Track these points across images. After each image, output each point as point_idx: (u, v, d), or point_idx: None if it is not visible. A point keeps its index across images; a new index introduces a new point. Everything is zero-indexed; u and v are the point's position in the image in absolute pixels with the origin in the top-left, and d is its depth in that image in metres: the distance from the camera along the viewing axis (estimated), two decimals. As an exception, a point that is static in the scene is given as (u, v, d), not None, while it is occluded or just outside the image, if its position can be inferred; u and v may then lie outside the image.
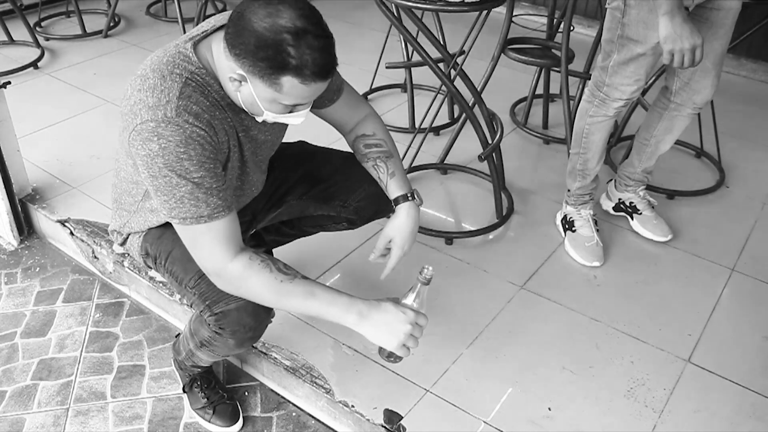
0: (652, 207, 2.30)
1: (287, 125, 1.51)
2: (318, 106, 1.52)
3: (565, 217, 2.25)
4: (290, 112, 1.26)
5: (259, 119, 1.30)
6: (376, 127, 1.57)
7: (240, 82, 1.20)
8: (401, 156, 2.41)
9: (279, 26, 1.11)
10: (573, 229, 2.20)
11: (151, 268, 1.56)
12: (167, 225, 1.42)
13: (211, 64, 1.25)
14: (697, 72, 1.95)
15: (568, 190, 2.24)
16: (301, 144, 1.74)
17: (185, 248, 1.31)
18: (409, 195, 1.50)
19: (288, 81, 1.15)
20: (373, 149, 1.54)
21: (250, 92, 1.21)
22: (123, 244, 1.59)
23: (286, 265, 1.29)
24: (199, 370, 1.71)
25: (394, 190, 1.51)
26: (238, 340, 1.40)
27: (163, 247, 1.46)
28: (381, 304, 1.27)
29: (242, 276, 1.26)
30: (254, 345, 1.80)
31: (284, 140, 1.67)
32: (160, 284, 1.98)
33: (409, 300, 1.31)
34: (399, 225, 1.48)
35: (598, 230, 2.20)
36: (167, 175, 1.19)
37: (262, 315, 1.37)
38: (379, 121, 1.59)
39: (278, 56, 1.12)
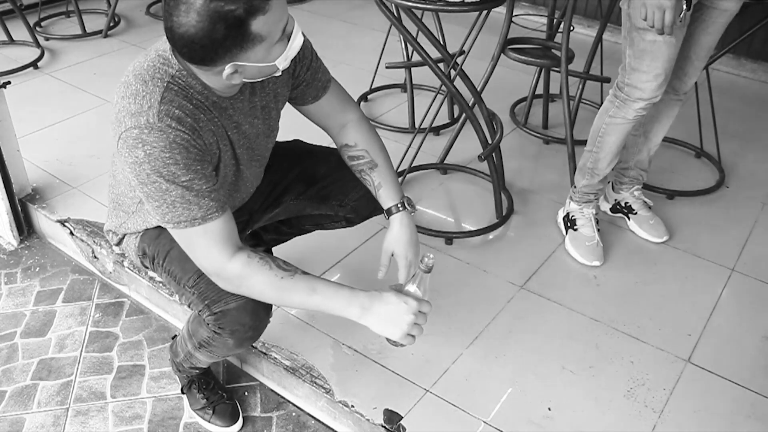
0: (648, 207, 2.30)
1: (279, 112, 1.49)
2: (301, 102, 1.51)
3: (567, 215, 2.25)
4: (288, 40, 1.22)
5: (279, 73, 1.26)
6: (357, 136, 1.54)
7: (236, 71, 1.18)
8: (402, 156, 2.42)
9: (201, 7, 1.08)
10: (575, 227, 2.20)
11: (147, 268, 1.55)
12: None
13: (190, 66, 1.23)
14: (679, 59, 1.97)
15: (574, 186, 2.24)
16: (297, 143, 1.73)
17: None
18: (399, 205, 1.50)
19: (257, 25, 1.12)
20: (356, 161, 1.53)
21: (251, 66, 1.19)
22: (119, 244, 1.59)
23: (286, 262, 1.29)
24: (197, 371, 1.71)
25: (384, 201, 1.51)
26: (238, 339, 1.39)
27: (161, 247, 1.46)
28: (383, 296, 1.27)
29: (242, 274, 1.25)
30: (254, 345, 1.80)
31: (280, 139, 1.67)
32: (160, 284, 1.98)
33: (412, 288, 1.31)
34: (395, 237, 1.49)
35: (599, 230, 2.20)
36: (156, 181, 1.19)
37: (261, 314, 1.37)
38: (364, 127, 1.56)
39: (229, 21, 1.09)
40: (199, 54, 1.14)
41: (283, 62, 1.23)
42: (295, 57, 1.40)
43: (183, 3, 1.09)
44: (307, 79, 1.46)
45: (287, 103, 1.52)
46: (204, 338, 1.46)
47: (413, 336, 1.28)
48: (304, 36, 1.44)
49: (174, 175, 1.18)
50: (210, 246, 1.25)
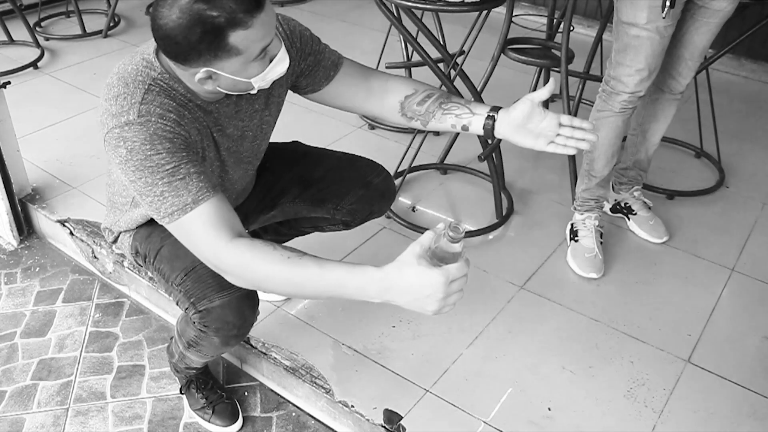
0: (648, 207, 2.30)
1: (273, 116, 1.46)
2: (317, 88, 1.45)
3: (571, 226, 2.22)
4: (270, 63, 1.20)
5: (254, 91, 1.25)
6: (411, 83, 1.44)
7: (210, 77, 1.17)
8: (402, 156, 2.43)
9: (185, 5, 1.08)
10: (576, 239, 2.18)
11: (141, 266, 1.55)
12: (156, 223, 1.40)
13: (173, 68, 1.22)
14: (673, 58, 1.98)
15: (576, 195, 2.23)
16: (295, 144, 1.73)
17: (173, 246, 1.29)
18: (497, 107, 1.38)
19: (235, 38, 1.11)
20: (431, 99, 1.41)
21: (225, 77, 1.17)
22: (114, 242, 1.59)
23: (291, 248, 1.21)
24: (194, 371, 1.71)
25: (482, 107, 1.38)
26: (223, 338, 1.39)
27: (152, 245, 1.46)
28: (403, 274, 1.04)
29: (245, 260, 1.16)
30: (254, 345, 1.80)
31: (279, 140, 1.66)
32: (160, 284, 1.98)
33: (440, 252, 1.05)
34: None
35: (602, 242, 2.16)
36: (141, 176, 1.17)
37: (246, 312, 1.36)
38: (407, 78, 1.47)
39: (207, 27, 1.08)
40: (174, 50, 1.14)
41: (260, 82, 1.22)
42: (295, 51, 1.38)
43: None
44: (310, 64, 1.42)
45: (308, 98, 1.49)
46: (191, 338, 1.46)
47: (453, 304, 1.07)
48: (303, 26, 1.43)
49: (158, 165, 1.16)
50: (207, 231, 1.17)
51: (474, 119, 1.38)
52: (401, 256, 1.06)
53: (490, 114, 1.36)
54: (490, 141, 1.27)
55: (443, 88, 2.11)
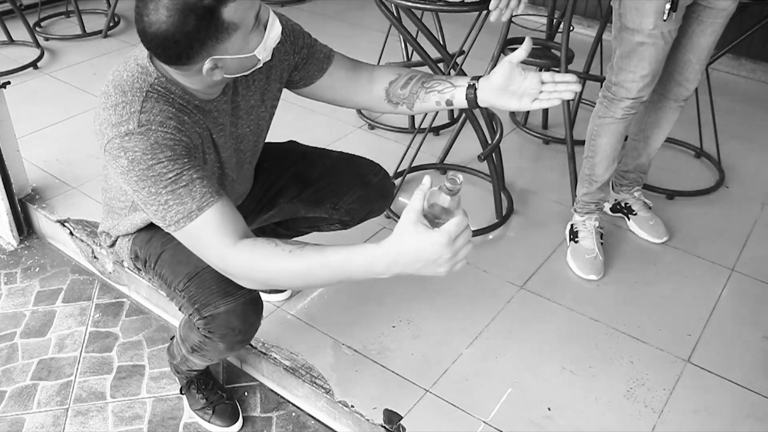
0: (648, 208, 2.30)
1: (269, 112, 1.46)
2: (309, 81, 1.45)
3: (571, 227, 2.22)
4: (265, 29, 1.19)
5: (261, 64, 1.24)
6: (398, 70, 1.45)
7: (216, 66, 1.16)
8: (402, 156, 2.43)
9: (169, 2, 1.07)
10: (576, 239, 2.18)
11: (140, 270, 1.54)
12: (156, 227, 1.38)
13: (169, 71, 1.21)
14: (679, 64, 1.98)
15: (576, 197, 2.23)
16: (292, 144, 1.72)
17: (175, 251, 1.28)
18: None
19: (228, 12, 1.10)
20: (412, 83, 1.42)
21: (231, 59, 1.16)
22: (112, 246, 1.58)
23: (293, 240, 1.21)
24: (196, 372, 1.71)
25: (463, 79, 1.38)
26: (228, 343, 1.38)
27: (153, 249, 1.45)
28: (403, 245, 1.01)
29: (250, 260, 1.15)
30: (254, 345, 1.80)
31: (275, 140, 1.66)
32: (160, 284, 1.98)
33: (437, 209, 1.02)
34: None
35: (602, 243, 2.16)
36: (144, 186, 1.16)
37: (251, 317, 1.36)
38: (393, 66, 1.46)
39: (198, 11, 1.08)
40: (175, 51, 1.12)
41: (262, 52, 1.21)
42: (289, 44, 1.38)
43: (151, 1, 1.09)
44: (304, 57, 1.43)
45: (300, 93, 1.50)
46: (195, 343, 1.45)
47: (463, 260, 1.04)
48: (292, 20, 1.42)
49: (160, 175, 1.16)
50: (213, 236, 1.17)
51: (456, 92, 1.37)
52: (397, 226, 1.03)
53: (471, 83, 1.35)
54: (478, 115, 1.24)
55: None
